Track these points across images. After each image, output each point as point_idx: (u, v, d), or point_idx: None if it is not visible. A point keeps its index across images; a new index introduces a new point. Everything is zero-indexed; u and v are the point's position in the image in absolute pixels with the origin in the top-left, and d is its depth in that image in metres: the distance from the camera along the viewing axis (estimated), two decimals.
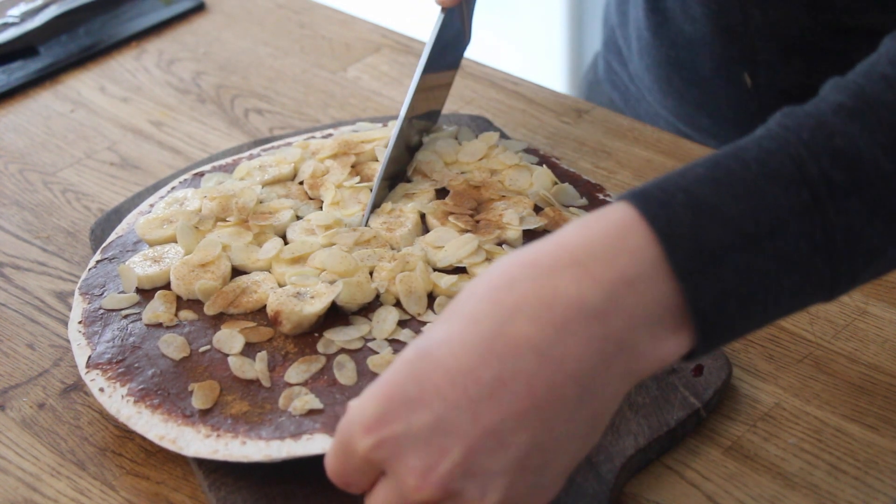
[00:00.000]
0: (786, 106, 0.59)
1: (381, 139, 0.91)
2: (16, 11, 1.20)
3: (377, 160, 0.90)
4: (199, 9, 1.24)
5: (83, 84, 1.13)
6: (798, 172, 0.56)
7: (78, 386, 0.79)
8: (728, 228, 0.55)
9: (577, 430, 0.56)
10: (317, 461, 0.67)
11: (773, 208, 0.56)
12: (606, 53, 1.19)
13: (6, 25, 1.18)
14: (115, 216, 0.91)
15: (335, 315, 0.76)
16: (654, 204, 0.55)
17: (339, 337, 0.74)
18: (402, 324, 0.75)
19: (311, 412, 0.69)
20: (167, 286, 0.80)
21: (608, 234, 0.56)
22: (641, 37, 1.06)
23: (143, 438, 0.74)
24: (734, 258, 0.55)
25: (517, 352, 0.55)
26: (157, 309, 0.78)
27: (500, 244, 0.79)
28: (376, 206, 0.84)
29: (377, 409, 0.56)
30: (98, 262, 0.84)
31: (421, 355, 0.57)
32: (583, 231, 0.56)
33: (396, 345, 0.73)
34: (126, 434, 0.75)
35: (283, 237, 0.83)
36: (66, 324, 0.83)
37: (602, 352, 0.55)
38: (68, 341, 0.81)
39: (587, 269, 0.55)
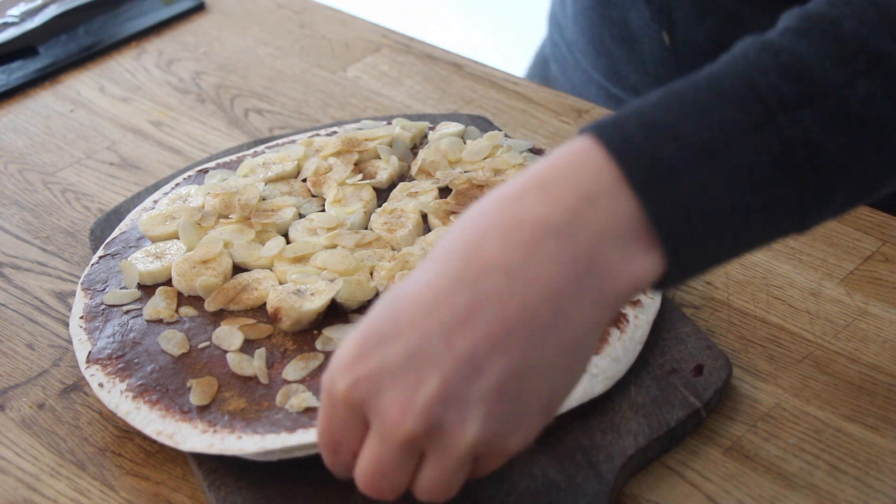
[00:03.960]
0: (703, 63, 0.60)
1: (385, 137, 0.91)
2: (15, 11, 1.20)
3: (380, 158, 0.90)
4: (199, 9, 1.24)
5: (83, 84, 1.13)
6: (748, 89, 0.57)
7: (77, 386, 0.79)
8: (682, 144, 0.56)
9: (553, 357, 0.56)
10: (316, 461, 0.67)
11: (726, 124, 0.56)
12: (550, 27, 1.23)
13: (6, 25, 1.18)
14: (114, 216, 0.91)
15: (335, 313, 0.76)
16: (609, 128, 0.57)
17: (337, 335, 0.74)
18: None
19: (308, 410, 0.69)
20: (169, 282, 0.80)
21: (569, 161, 0.57)
22: (577, 1, 1.11)
23: (143, 438, 0.74)
24: (692, 173, 0.56)
25: (487, 274, 0.55)
26: (158, 305, 0.78)
27: None
28: None
29: (353, 349, 0.57)
30: (101, 257, 0.84)
31: (395, 295, 0.57)
32: (545, 162, 0.57)
33: None
34: (126, 434, 0.75)
35: (285, 235, 0.83)
36: (65, 324, 0.83)
37: (572, 270, 0.55)
38: (68, 341, 0.81)
39: (550, 192, 0.56)
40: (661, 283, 0.57)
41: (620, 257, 0.56)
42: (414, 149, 0.93)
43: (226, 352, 0.74)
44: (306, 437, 0.67)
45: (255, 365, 0.73)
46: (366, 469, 0.59)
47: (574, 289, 0.55)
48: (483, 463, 0.59)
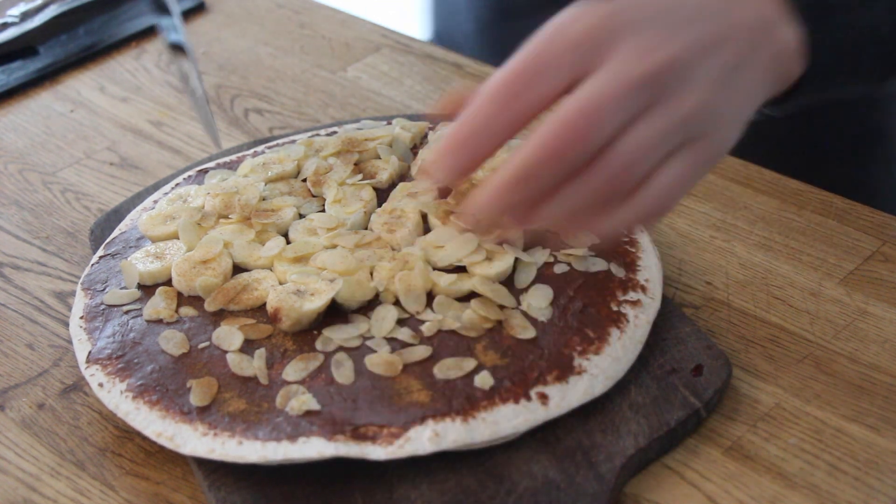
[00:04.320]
0: None
1: (385, 137, 0.91)
2: (15, 11, 1.20)
3: (380, 158, 0.90)
4: (199, 9, 1.24)
5: (83, 84, 1.13)
6: None
7: (77, 386, 0.79)
8: None
9: (753, 75, 0.65)
10: (316, 461, 0.67)
11: None
12: (437, 46, 1.27)
13: (6, 25, 1.18)
14: (114, 216, 0.91)
15: (335, 313, 0.76)
16: None
17: (337, 335, 0.74)
18: (400, 322, 0.75)
19: (308, 413, 0.69)
20: (169, 282, 0.80)
21: None
22: (481, 18, 1.13)
23: (143, 438, 0.74)
24: (834, 18, 0.69)
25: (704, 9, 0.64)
26: (158, 305, 0.78)
27: (500, 243, 0.79)
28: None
29: (597, 8, 0.62)
30: (101, 257, 0.84)
31: None
32: None
33: (395, 343, 0.73)
34: (126, 434, 0.75)
35: (285, 235, 0.83)
36: (65, 324, 0.83)
37: (762, 21, 0.66)
38: (68, 341, 0.81)
39: None
40: (778, 99, 0.70)
41: (786, 45, 0.67)
42: (414, 149, 0.93)
43: (226, 352, 0.74)
44: (307, 450, 0.67)
45: (255, 365, 0.73)
46: (576, 106, 0.59)
47: (761, 34, 0.65)
48: (683, 156, 0.63)
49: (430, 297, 0.76)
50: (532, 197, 0.61)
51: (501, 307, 0.75)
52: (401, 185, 0.87)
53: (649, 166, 0.61)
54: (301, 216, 0.85)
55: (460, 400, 0.69)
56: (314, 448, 0.67)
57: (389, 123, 0.96)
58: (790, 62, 0.68)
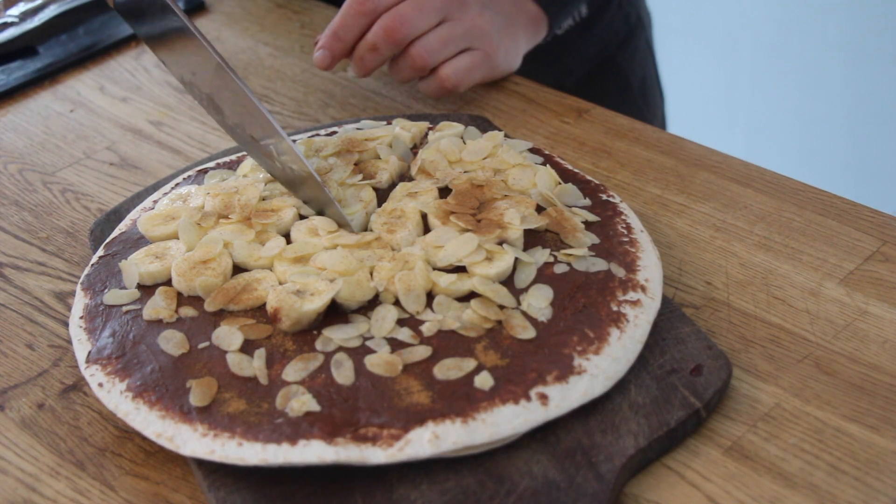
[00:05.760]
0: None
1: (385, 137, 0.91)
2: (15, 11, 1.20)
3: (380, 158, 0.90)
4: (199, 9, 1.24)
5: (82, 84, 1.13)
6: None
7: (77, 386, 0.79)
8: None
9: (514, 31, 1.04)
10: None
11: None
12: None
13: (6, 25, 1.18)
14: (114, 216, 0.91)
15: (335, 313, 0.76)
16: None
17: (337, 335, 0.74)
18: (400, 322, 0.75)
19: (308, 414, 0.69)
20: (168, 282, 0.80)
21: None
22: None
23: (143, 439, 0.74)
24: None
25: None
26: (158, 305, 0.78)
27: (500, 243, 0.80)
28: None
29: None
30: (101, 257, 0.84)
31: None
32: None
33: (395, 343, 0.73)
34: (125, 434, 0.75)
35: (286, 235, 0.83)
36: (65, 324, 0.83)
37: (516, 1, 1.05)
38: (68, 341, 0.81)
39: None
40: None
41: (535, 13, 1.07)
42: (414, 149, 0.93)
43: (226, 352, 0.74)
44: (307, 453, 0.67)
45: (254, 365, 0.73)
46: (396, 11, 0.96)
47: (517, 5, 1.06)
48: (466, 55, 1.00)
49: (430, 297, 0.76)
50: (377, 61, 0.99)
51: (501, 307, 0.75)
52: (401, 185, 0.87)
53: (443, 56, 0.98)
54: (301, 217, 0.85)
55: (460, 401, 0.69)
56: (314, 452, 0.67)
57: (389, 123, 0.96)
58: (538, 23, 1.07)
